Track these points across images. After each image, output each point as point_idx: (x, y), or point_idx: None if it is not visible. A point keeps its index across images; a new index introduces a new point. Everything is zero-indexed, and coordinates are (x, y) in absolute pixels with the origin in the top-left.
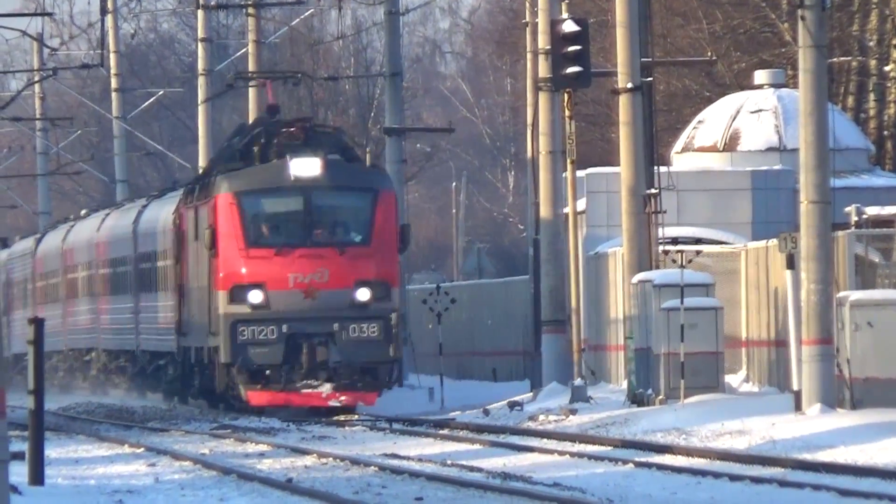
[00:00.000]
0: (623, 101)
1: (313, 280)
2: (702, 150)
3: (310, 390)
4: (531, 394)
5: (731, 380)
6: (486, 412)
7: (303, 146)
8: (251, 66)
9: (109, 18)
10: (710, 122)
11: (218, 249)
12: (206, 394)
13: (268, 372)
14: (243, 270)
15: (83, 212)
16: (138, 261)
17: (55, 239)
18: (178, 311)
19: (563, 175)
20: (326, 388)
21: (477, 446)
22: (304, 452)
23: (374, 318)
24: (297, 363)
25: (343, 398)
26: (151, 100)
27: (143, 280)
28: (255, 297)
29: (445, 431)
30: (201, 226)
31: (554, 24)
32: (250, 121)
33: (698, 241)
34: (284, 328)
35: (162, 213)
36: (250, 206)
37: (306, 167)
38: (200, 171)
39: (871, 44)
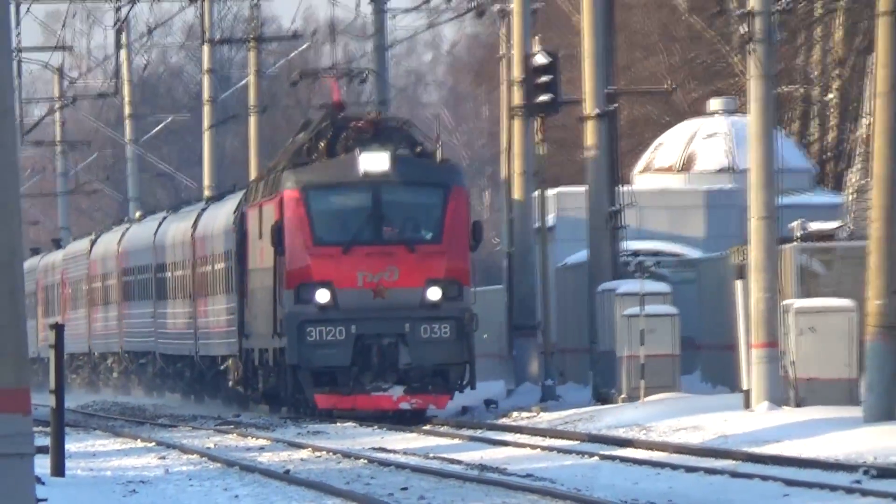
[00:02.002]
0: (589, 127)
1: (383, 279)
2: (660, 170)
3: (379, 393)
4: (506, 393)
5: (687, 380)
6: (465, 410)
7: (372, 140)
8: (251, 96)
9: (123, 52)
10: (668, 146)
11: (284, 247)
12: (269, 398)
13: (335, 374)
14: (310, 269)
15: (137, 214)
16: (197, 264)
17: (110, 241)
18: (241, 313)
19: (535, 194)
20: (397, 390)
21: (457, 441)
22: (299, 446)
23: (446, 319)
24: (366, 365)
25: (414, 401)
26: (161, 125)
27: (201, 283)
28: (323, 296)
29: (428, 427)
30: (266, 224)
31: (527, 56)
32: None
33: (657, 253)
34: (353, 328)
35: (220, 215)
36: (318, 202)
37: (375, 162)
38: (206, 190)
39: (815, 75)
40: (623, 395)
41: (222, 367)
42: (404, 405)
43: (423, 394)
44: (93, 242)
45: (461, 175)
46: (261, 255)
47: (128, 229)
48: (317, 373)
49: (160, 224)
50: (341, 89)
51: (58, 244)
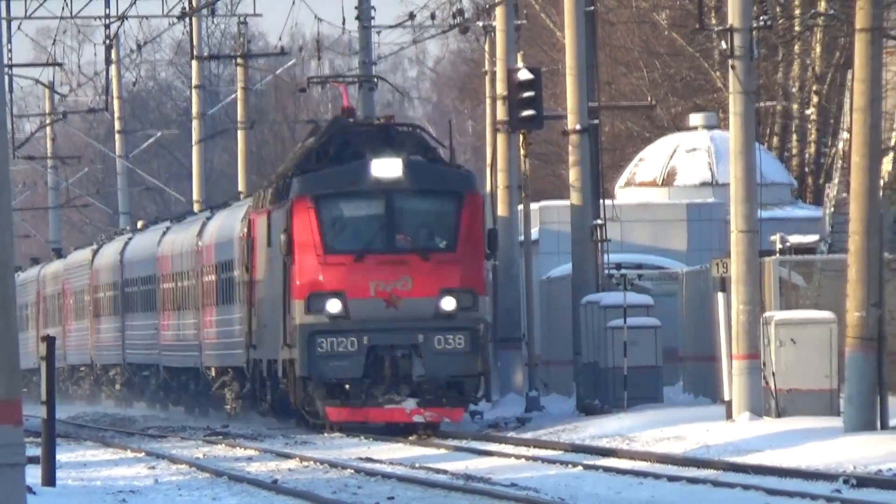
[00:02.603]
0: (572, 142)
1: (395, 288)
2: (642, 184)
3: (392, 406)
4: (490, 403)
5: (669, 391)
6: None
7: (383, 146)
8: (239, 111)
9: (113, 68)
10: (650, 160)
11: (294, 256)
12: (278, 410)
13: (347, 386)
14: (321, 278)
15: (139, 223)
16: (202, 274)
17: (112, 251)
18: (248, 323)
19: (519, 207)
20: (410, 403)
21: (442, 451)
22: (287, 456)
23: (461, 329)
24: (378, 377)
25: (428, 414)
26: (150, 140)
27: (207, 293)
28: (334, 306)
29: (414, 437)
30: (275, 231)
31: (510, 72)
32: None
33: (639, 266)
34: (365, 339)
35: (227, 223)
36: (328, 210)
37: (387, 168)
38: (195, 204)
39: (794, 90)
40: (606, 406)
41: (227, 379)
42: (418, 418)
43: (437, 407)
44: (95, 252)
45: (475, 181)
46: (269, 263)
47: (130, 239)
48: (328, 385)
49: (164, 234)
50: (350, 97)
51: (59, 253)
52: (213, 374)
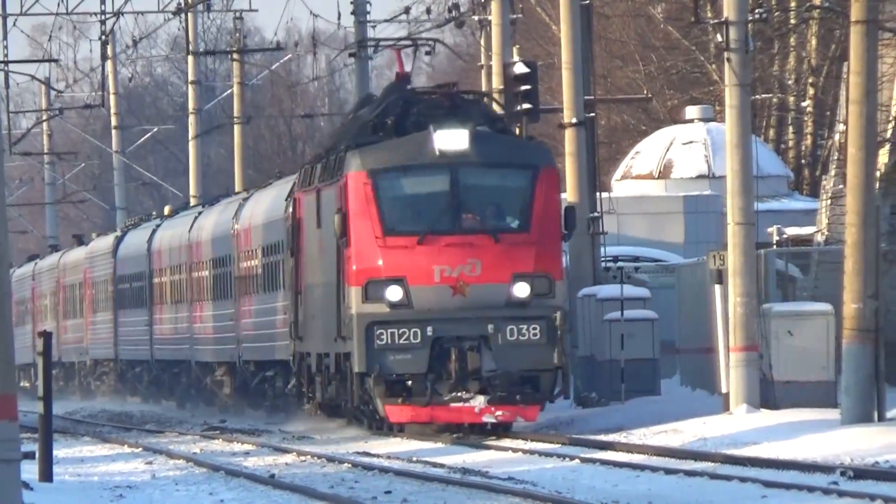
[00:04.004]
0: (568, 135)
1: (463, 273)
2: (639, 177)
3: (459, 404)
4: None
5: (667, 383)
6: None
7: (447, 115)
8: (236, 106)
9: (109, 64)
10: (647, 153)
11: (349, 238)
12: (329, 408)
13: (409, 383)
14: (380, 262)
15: (166, 208)
16: (240, 259)
17: (139, 239)
18: (295, 313)
19: None
20: (479, 401)
21: (439, 444)
22: (284, 451)
23: (536, 318)
24: (444, 372)
25: (499, 413)
26: (147, 136)
27: (245, 281)
28: (395, 293)
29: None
30: (325, 211)
31: (506, 66)
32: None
33: (636, 259)
34: (429, 331)
35: (267, 204)
36: (388, 186)
37: (453, 140)
38: (192, 199)
39: (790, 82)
40: (603, 399)
41: (270, 374)
42: (488, 418)
43: (509, 404)
44: (118, 239)
45: (550, 155)
46: (319, 246)
47: (158, 226)
48: (388, 381)
49: (195, 219)
50: (404, 62)
51: (80, 240)
52: (253, 368)
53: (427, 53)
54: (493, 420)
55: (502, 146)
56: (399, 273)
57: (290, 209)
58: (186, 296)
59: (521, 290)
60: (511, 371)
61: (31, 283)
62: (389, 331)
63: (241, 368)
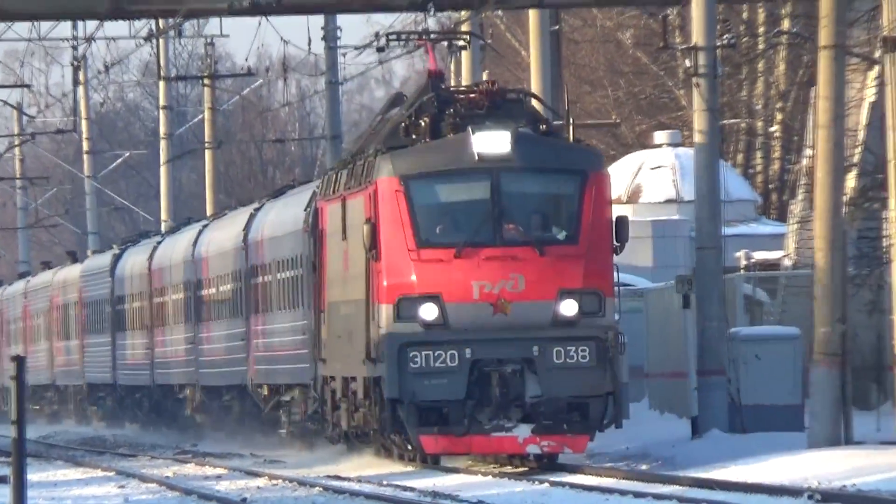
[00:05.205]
0: None
1: (504, 290)
2: None
3: (501, 434)
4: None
5: (635, 407)
6: None
7: (487, 116)
8: (207, 131)
9: (81, 89)
10: (615, 178)
11: (380, 251)
12: (352, 437)
13: (446, 410)
14: (413, 278)
15: (163, 224)
16: (250, 275)
17: (138, 258)
18: (317, 333)
19: None
20: (523, 430)
21: (409, 468)
22: (256, 475)
23: (585, 339)
24: (484, 399)
25: (545, 444)
26: (119, 161)
27: (256, 298)
28: (429, 312)
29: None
30: (352, 221)
31: None
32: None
33: None
34: (467, 353)
35: (283, 215)
36: (422, 194)
37: (493, 143)
38: (163, 224)
39: (758, 107)
40: None
41: (286, 399)
42: (533, 448)
43: (556, 434)
44: (116, 257)
45: (600, 159)
46: (344, 259)
47: (159, 243)
48: (422, 409)
49: (199, 234)
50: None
51: (74, 257)
52: (266, 392)
53: (461, 48)
54: (539, 451)
55: (548, 149)
56: (434, 289)
57: (311, 220)
58: (191, 316)
59: (569, 307)
60: (558, 397)
61: (22, 301)
62: (424, 353)
63: (252, 392)
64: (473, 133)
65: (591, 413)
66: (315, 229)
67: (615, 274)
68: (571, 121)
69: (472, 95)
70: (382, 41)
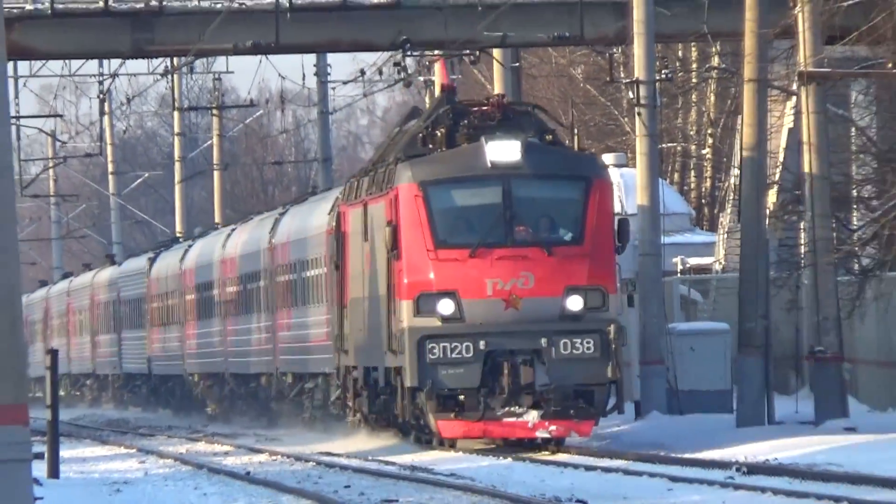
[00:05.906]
0: None
1: (515, 286)
2: None
3: (512, 419)
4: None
5: None
6: None
7: (498, 127)
8: (215, 155)
9: (106, 118)
10: None
11: (400, 251)
12: (373, 422)
13: (462, 397)
14: (431, 276)
15: (197, 230)
16: (274, 274)
17: (172, 259)
18: (340, 326)
19: None
20: (533, 416)
21: (391, 443)
22: (258, 451)
23: (589, 332)
24: (496, 386)
25: (553, 428)
26: (139, 180)
27: (283, 295)
28: (446, 307)
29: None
30: (373, 224)
31: None
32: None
33: None
34: (482, 344)
35: (308, 218)
36: (439, 198)
37: (505, 151)
38: (178, 235)
39: (692, 133)
40: None
41: (309, 385)
42: (542, 433)
43: (563, 419)
44: (151, 261)
45: (604, 167)
46: (366, 259)
47: (191, 246)
48: (440, 396)
49: (228, 237)
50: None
51: (112, 260)
52: (290, 380)
53: (473, 62)
54: (547, 435)
55: (554, 157)
56: (451, 286)
57: (335, 223)
58: (221, 311)
59: (575, 303)
60: (565, 385)
61: (66, 299)
62: (441, 345)
63: (277, 380)
64: (486, 142)
65: (595, 400)
66: (338, 231)
67: (617, 272)
68: (576, 131)
69: (484, 108)
70: (399, 57)
